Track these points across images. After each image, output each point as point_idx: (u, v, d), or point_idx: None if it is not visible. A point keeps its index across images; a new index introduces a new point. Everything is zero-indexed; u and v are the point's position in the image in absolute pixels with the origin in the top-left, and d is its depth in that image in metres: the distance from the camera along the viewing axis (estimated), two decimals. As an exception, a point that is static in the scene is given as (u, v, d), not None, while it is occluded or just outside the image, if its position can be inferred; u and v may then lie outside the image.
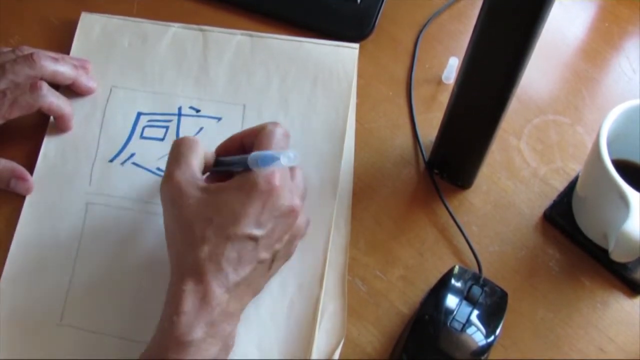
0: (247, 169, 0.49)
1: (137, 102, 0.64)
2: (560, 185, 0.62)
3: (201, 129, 0.63)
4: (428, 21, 0.70)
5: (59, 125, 0.62)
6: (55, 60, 0.61)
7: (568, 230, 0.59)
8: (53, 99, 0.60)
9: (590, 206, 0.58)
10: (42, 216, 0.58)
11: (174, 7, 0.70)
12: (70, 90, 0.63)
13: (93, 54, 0.66)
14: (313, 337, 0.53)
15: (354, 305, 0.56)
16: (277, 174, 0.49)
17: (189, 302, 0.46)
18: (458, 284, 0.54)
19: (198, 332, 0.46)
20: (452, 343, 0.51)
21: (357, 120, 0.65)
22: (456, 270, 0.55)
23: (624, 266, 0.57)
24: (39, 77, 0.59)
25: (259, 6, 0.70)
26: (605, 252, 0.55)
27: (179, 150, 0.51)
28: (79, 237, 0.57)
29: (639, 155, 0.58)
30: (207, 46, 0.66)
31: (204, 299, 0.46)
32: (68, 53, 0.66)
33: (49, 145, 0.62)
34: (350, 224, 0.59)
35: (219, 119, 0.63)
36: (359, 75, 0.67)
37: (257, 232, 0.48)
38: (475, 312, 0.52)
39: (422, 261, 0.58)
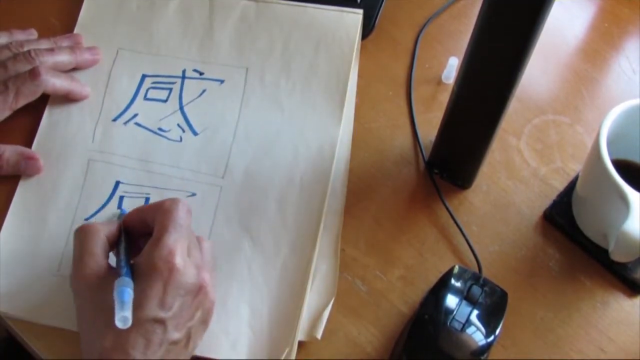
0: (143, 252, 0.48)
1: (143, 65, 0.65)
2: (560, 185, 0.62)
3: (204, 91, 0.64)
4: (428, 21, 0.70)
5: (72, 99, 0.63)
6: (52, 51, 0.62)
7: (568, 230, 0.59)
8: (55, 81, 0.61)
9: (590, 206, 0.58)
10: (45, 170, 0.60)
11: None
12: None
13: (101, 17, 0.67)
14: (304, 298, 0.54)
15: (354, 305, 0.56)
16: (177, 252, 0.47)
17: None
18: (458, 284, 0.54)
19: None
20: (452, 343, 0.51)
21: (357, 120, 0.65)
22: (456, 270, 0.55)
23: (624, 266, 0.57)
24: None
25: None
26: (605, 252, 0.55)
27: (80, 243, 0.49)
28: (79, 191, 0.59)
29: (639, 155, 0.58)
30: (213, 10, 0.67)
31: None
32: (77, 16, 0.67)
33: (54, 103, 0.63)
34: (346, 187, 0.60)
35: (222, 81, 0.64)
36: (359, 75, 0.67)
37: (162, 314, 0.46)
38: (475, 312, 0.52)
39: (422, 261, 0.58)
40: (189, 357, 0.50)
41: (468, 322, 0.51)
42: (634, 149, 0.57)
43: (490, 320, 0.52)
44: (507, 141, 0.64)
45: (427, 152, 0.63)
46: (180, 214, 0.49)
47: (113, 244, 0.51)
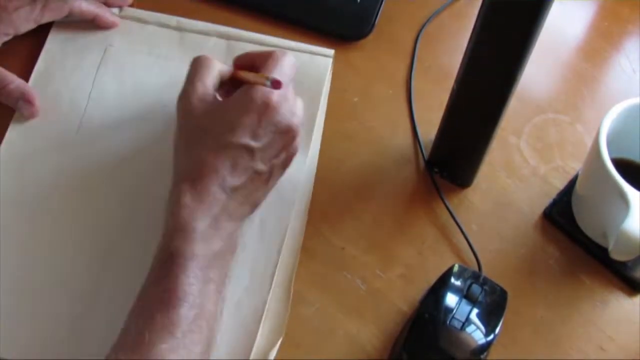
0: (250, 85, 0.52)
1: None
2: (560, 184, 0.62)
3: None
4: (428, 20, 0.70)
5: (100, 25, 0.65)
6: None
7: (568, 229, 0.59)
8: (82, 2, 0.63)
9: (590, 205, 0.58)
10: (21, 159, 0.60)
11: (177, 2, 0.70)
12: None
13: (70, 45, 0.66)
14: (255, 338, 0.53)
15: (354, 304, 0.56)
16: (275, 92, 0.51)
17: (188, 198, 0.49)
18: (458, 283, 0.54)
19: (200, 223, 0.48)
20: (452, 341, 0.51)
21: (357, 120, 0.65)
22: (456, 268, 0.55)
23: (623, 265, 0.57)
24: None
25: (258, 5, 0.70)
26: (605, 250, 0.55)
27: (194, 69, 0.53)
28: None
29: (639, 154, 0.58)
30: (183, 46, 0.66)
31: (202, 194, 0.49)
32: (44, 42, 0.66)
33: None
34: (305, 228, 0.59)
35: None
36: (359, 75, 0.67)
37: (253, 143, 0.50)
38: (475, 311, 0.52)
39: (421, 260, 0.58)
40: (266, 195, 0.54)
41: (468, 321, 0.51)
42: (634, 147, 0.57)
43: (490, 319, 0.52)
44: (507, 140, 0.64)
45: (427, 151, 0.63)
46: (287, 64, 0.54)
47: (222, 83, 0.55)
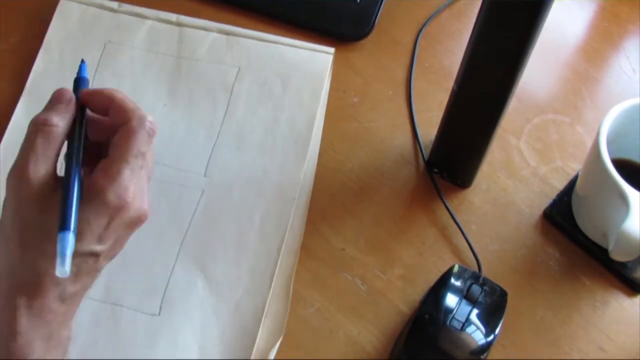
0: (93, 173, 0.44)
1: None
2: (560, 184, 0.62)
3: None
4: (428, 20, 0.70)
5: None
6: None
7: (568, 230, 0.59)
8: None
9: (589, 205, 0.58)
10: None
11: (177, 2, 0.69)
12: None
13: (69, 42, 0.66)
14: (255, 339, 0.53)
15: (354, 305, 0.56)
16: (130, 188, 0.44)
17: (24, 322, 0.42)
18: (458, 283, 0.54)
19: (37, 350, 0.43)
20: (452, 342, 0.51)
21: (357, 120, 0.65)
22: (456, 269, 0.55)
23: (623, 265, 0.57)
24: None
25: (258, 5, 0.70)
26: (605, 251, 0.55)
27: (38, 138, 0.43)
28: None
29: (639, 155, 0.58)
30: (182, 41, 0.66)
31: (40, 315, 0.43)
32: (42, 39, 0.66)
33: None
34: (304, 229, 0.59)
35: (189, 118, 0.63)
36: (359, 75, 0.67)
37: (99, 248, 0.44)
38: (475, 311, 0.52)
39: (421, 260, 0.58)
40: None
41: (468, 322, 0.51)
42: (634, 148, 0.57)
43: (490, 319, 0.52)
44: (507, 140, 0.64)
45: (427, 152, 0.63)
46: (142, 140, 0.45)
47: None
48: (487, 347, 0.51)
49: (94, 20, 0.67)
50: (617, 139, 0.54)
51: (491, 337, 0.51)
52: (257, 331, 0.54)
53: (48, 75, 0.64)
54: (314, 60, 0.65)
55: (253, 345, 0.53)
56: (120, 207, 0.44)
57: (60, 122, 0.44)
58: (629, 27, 0.72)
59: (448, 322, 0.51)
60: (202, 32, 0.67)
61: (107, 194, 0.43)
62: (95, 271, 0.45)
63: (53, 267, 0.41)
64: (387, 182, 0.62)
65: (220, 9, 0.69)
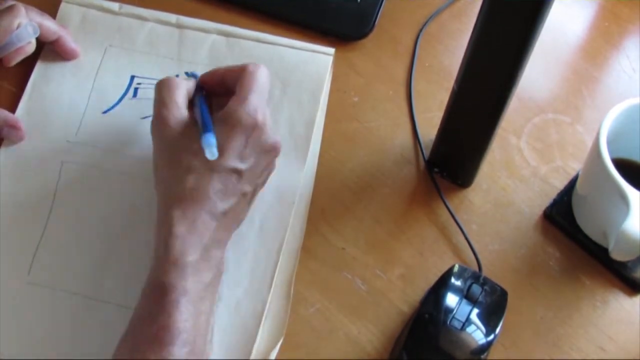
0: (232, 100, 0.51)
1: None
2: (560, 184, 0.62)
3: None
4: (428, 20, 0.70)
5: (62, 52, 0.64)
6: (42, 14, 0.62)
7: (568, 229, 0.59)
8: (37, 19, 0.61)
9: (590, 205, 0.58)
10: (20, 166, 0.59)
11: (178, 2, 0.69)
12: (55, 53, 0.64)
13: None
14: (255, 340, 0.53)
15: (354, 304, 0.56)
16: (260, 110, 0.50)
17: (181, 227, 0.47)
18: (458, 283, 0.54)
19: (193, 255, 0.47)
20: (452, 342, 0.51)
21: (357, 120, 0.65)
22: (456, 269, 0.55)
23: (623, 265, 0.57)
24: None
25: (258, 5, 0.70)
26: (605, 250, 0.55)
27: (163, 90, 0.52)
28: (53, 193, 0.58)
29: (639, 154, 0.58)
30: (182, 43, 0.66)
31: (194, 224, 0.47)
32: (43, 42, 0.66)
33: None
34: (305, 228, 0.59)
35: None
36: (359, 75, 0.67)
37: (240, 165, 0.49)
38: (475, 311, 0.52)
39: (422, 260, 0.58)
40: (247, 214, 0.54)
41: (468, 321, 0.51)
42: (634, 148, 0.57)
43: (490, 319, 0.52)
44: (507, 140, 0.64)
45: (427, 151, 0.63)
46: (264, 78, 0.52)
47: (190, 100, 0.53)
48: (487, 346, 0.51)
49: (95, 23, 0.67)
50: (617, 139, 0.54)
51: (491, 336, 0.51)
52: (257, 332, 0.53)
53: (49, 76, 0.64)
54: (314, 61, 0.65)
55: (253, 346, 0.53)
56: (253, 126, 0.50)
57: (182, 80, 0.53)
58: (629, 27, 0.72)
59: (448, 322, 0.51)
60: (202, 34, 0.66)
61: (239, 112, 0.49)
62: (239, 192, 0.50)
63: (201, 179, 0.48)
64: (388, 181, 0.62)
65: (219, 8, 0.69)
